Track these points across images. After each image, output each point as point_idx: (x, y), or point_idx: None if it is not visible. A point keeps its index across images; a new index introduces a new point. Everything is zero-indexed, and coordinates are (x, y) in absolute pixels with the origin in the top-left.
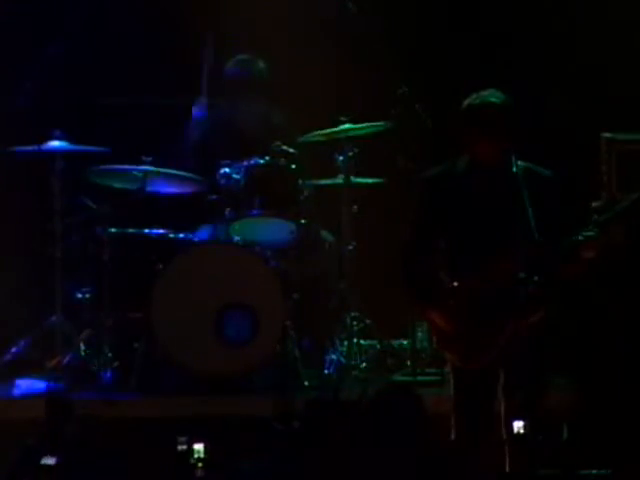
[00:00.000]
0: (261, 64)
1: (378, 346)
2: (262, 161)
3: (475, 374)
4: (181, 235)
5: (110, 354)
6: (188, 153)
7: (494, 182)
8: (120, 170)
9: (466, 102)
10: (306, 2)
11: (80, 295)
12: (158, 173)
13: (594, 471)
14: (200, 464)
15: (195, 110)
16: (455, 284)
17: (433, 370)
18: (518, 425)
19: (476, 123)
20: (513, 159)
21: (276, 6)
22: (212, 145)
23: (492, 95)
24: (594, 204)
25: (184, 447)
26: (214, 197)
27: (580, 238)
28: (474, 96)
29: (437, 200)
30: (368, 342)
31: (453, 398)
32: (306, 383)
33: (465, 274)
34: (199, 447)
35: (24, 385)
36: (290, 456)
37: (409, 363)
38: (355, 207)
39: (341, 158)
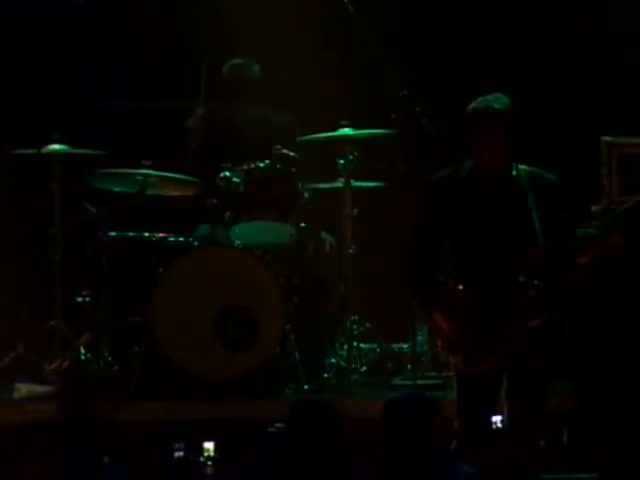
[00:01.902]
0: (255, 68)
1: (378, 350)
2: (262, 164)
3: (478, 378)
4: (181, 238)
5: (110, 358)
6: (188, 159)
7: (498, 186)
8: (120, 174)
9: (471, 106)
10: (306, 4)
11: (80, 299)
12: (158, 177)
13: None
14: (210, 462)
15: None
16: (459, 287)
17: (433, 374)
18: (496, 419)
19: (479, 127)
20: (513, 164)
21: (276, 8)
22: (212, 148)
23: (496, 100)
24: (594, 208)
25: (181, 454)
26: (214, 200)
27: (582, 237)
28: (479, 100)
29: (441, 204)
30: (368, 346)
31: (457, 402)
32: (306, 387)
33: (469, 277)
34: (209, 446)
35: (23, 389)
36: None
37: (409, 367)
38: (355, 211)
39: (342, 161)
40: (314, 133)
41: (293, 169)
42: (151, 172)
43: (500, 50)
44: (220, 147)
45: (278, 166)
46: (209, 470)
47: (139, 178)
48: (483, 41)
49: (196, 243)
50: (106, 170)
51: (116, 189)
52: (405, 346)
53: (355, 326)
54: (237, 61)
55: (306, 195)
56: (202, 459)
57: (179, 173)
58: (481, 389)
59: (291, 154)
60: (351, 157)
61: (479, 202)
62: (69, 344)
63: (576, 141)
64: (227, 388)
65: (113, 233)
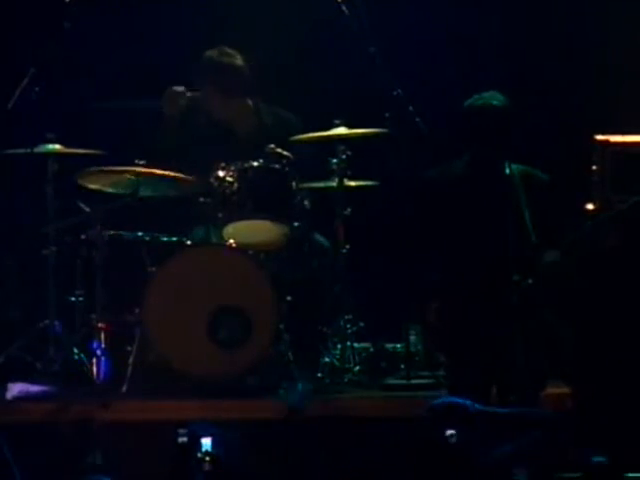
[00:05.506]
0: (240, 60)
1: (372, 349)
2: (256, 163)
3: (471, 378)
4: (174, 238)
5: (103, 357)
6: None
7: (492, 184)
8: (113, 173)
9: (467, 103)
10: (300, 3)
11: (73, 298)
12: (151, 176)
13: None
14: (208, 458)
15: None
16: (451, 285)
17: (427, 373)
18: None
19: (475, 124)
20: (506, 162)
21: (270, 6)
22: (205, 146)
23: (492, 97)
24: (587, 206)
25: (184, 439)
26: (207, 200)
27: (575, 237)
28: (476, 97)
29: (435, 201)
30: (362, 345)
31: None
32: (299, 386)
33: (461, 275)
34: (206, 441)
35: (16, 389)
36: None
37: (403, 366)
38: (349, 210)
39: (335, 160)
40: (308, 132)
41: (287, 168)
42: (144, 171)
43: (496, 47)
44: (214, 145)
45: (271, 165)
46: (207, 466)
47: (132, 177)
48: (479, 38)
49: (189, 242)
50: (98, 168)
51: (109, 189)
52: (399, 345)
53: (349, 325)
54: (225, 49)
55: (299, 196)
56: (200, 455)
57: (173, 172)
58: (473, 389)
59: (285, 153)
60: (344, 156)
61: (472, 200)
62: (63, 344)
63: (569, 139)
64: (220, 388)
65: (106, 232)
